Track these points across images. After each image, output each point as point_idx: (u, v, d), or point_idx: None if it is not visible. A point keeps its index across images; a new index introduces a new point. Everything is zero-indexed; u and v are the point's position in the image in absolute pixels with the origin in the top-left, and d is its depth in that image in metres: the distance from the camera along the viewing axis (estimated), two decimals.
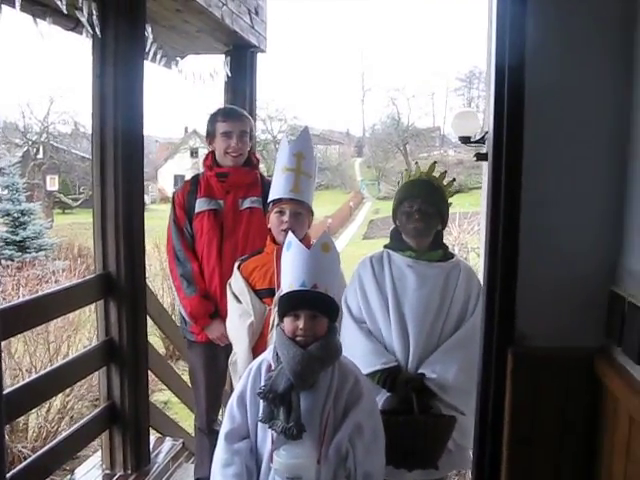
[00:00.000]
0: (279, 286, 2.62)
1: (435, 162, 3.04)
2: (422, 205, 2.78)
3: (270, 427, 2.25)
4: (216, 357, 3.52)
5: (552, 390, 1.93)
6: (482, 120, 6.11)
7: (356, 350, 2.64)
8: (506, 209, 1.94)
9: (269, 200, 3.03)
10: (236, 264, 3.13)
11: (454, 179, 3.04)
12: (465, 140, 6.85)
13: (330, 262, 2.37)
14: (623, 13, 1.81)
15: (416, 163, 3.15)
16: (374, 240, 25.50)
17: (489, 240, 2.00)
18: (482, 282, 2.16)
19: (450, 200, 2.90)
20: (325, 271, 2.33)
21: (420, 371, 2.69)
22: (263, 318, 2.99)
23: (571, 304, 1.92)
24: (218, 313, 3.44)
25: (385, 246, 2.93)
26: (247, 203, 3.49)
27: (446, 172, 2.99)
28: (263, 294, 3.01)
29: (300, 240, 2.51)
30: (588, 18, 1.84)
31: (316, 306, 2.27)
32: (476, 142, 6.10)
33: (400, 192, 2.89)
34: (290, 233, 2.50)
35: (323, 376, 2.28)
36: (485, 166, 4.54)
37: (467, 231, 16.32)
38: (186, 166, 36.69)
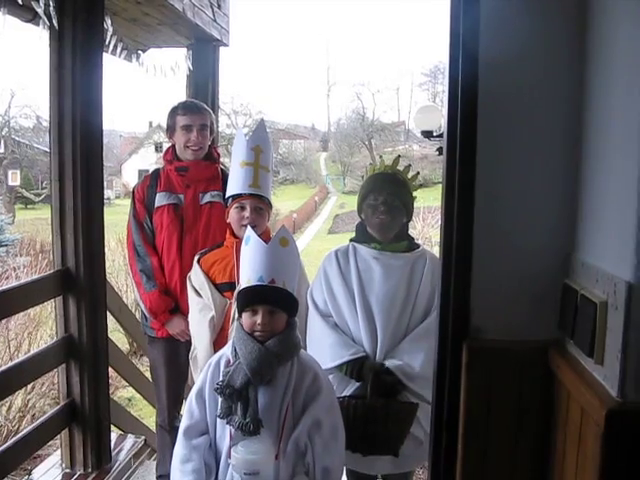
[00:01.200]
0: (238, 281, 2.61)
1: (399, 156, 3.08)
2: (387, 198, 2.81)
3: (228, 423, 2.26)
4: (177, 353, 3.50)
5: (507, 383, 1.94)
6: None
7: (323, 343, 2.69)
8: (460, 204, 1.95)
9: (228, 195, 3.02)
10: (196, 258, 3.12)
11: (418, 173, 3.10)
12: (427, 134, 6.92)
13: (288, 257, 2.37)
14: (577, 12, 1.83)
15: (380, 157, 3.18)
16: (339, 235, 25.64)
17: (444, 235, 2.01)
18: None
19: (415, 193, 2.94)
20: (283, 266, 2.33)
21: (387, 362, 2.72)
22: (224, 312, 2.99)
23: (525, 298, 1.94)
24: (179, 308, 3.43)
25: (351, 239, 2.95)
26: (207, 197, 3.47)
27: (410, 166, 3.04)
28: (224, 288, 3.01)
29: (260, 235, 2.53)
30: (542, 17, 1.86)
31: (274, 301, 2.28)
32: (438, 136, 6.18)
33: (365, 186, 2.91)
34: (249, 227, 2.50)
35: (281, 371, 2.29)
36: None
37: (431, 225, 16.53)
38: (150, 161, 36.26)
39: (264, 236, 2.68)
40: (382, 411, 2.65)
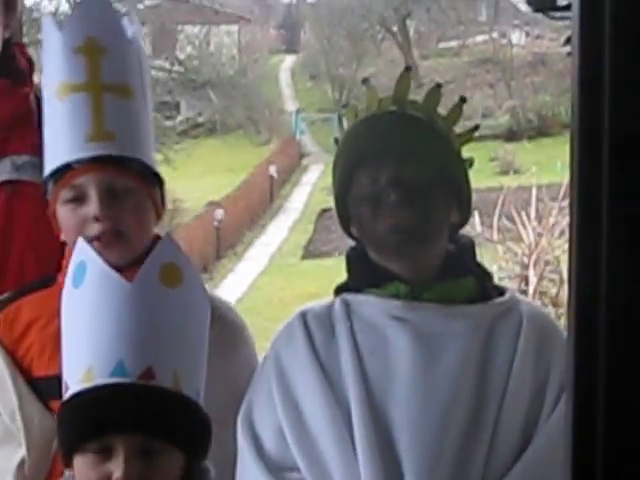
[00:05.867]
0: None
1: (409, 67, 3.06)
2: (401, 170, 2.77)
3: None
4: None
5: None
6: None
7: None
8: (613, 177, 2.00)
9: (48, 171, 3.01)
10: None
11: (463, 99, 3.00)
12: (543, 4, 6.99)
13: (183, 310, 2.39)
14: None
15: (365, 81, 3.18)
16: (331, 260, 25.52)
17: (577, 254, 2.06)
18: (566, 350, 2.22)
19: (465, 152, 2.93)
20: (172, 333, 2.35)
21: None
22: (51, 449, 3.00)
23: None
24: None
25: (337, 289, 2.93)
26: (4, 169, 3.50)
27: (440, 85, 2.98)
28: (50, 389, 2.99)
29: (136, 260, 2.60)
30: None
31: (153, 424, 2.30)
32: (565, 9, 6.29)
33: (343, 154, 2.91)
34: (82, 243, 2.50)
35: None
36: None
37: (560, 230, 16.50)
38: None
39: (139, 264, 2.54)
40: None
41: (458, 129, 2.98)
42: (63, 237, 2.93)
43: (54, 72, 2.83)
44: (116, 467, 2.19)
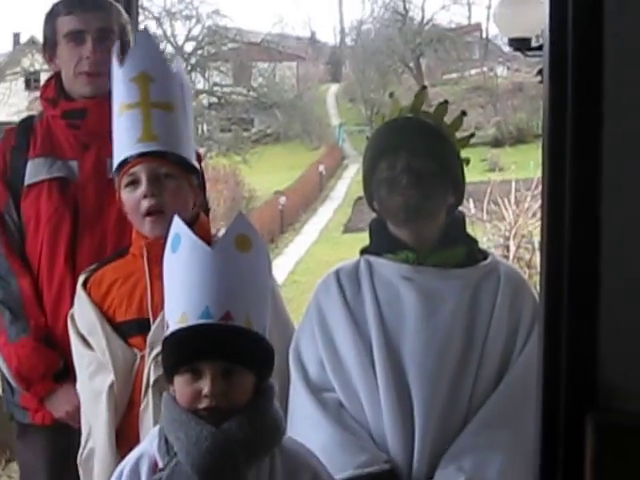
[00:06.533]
0: (155, 316, 2.63)
1: (425, 87, 3.14)
2: (412, 160, 2.80)
3: None
4: (70, 453, 3.29)
5: None
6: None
7: (313, 441, 2.58)
8: (574, 175, 1.98)
9: (114, 167, 3.02)
10: (80, 279, 3.12)
11: (463, 113, 3.08)
12: (521, 44, 6.91)
13: (253, 270, 2.38)
14: None
15: (391, 95, 3.19)
16: (364, 233, 25.51)
17: (548, 231, 2.04)
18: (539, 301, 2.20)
19: (463, 153, 2.95)
20: (245, 287, 2.34)
21: (437, 474, 2.70)
22: (132, 375, 2.98)
23: None
24: (69, 370, 3.39)
25: (362, 251, 2.99)
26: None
27: (447, 102, 3.03)
28: (129, 330, 3.00)
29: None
30: None
31: (232, 353, 2.28)
32: (539, 48, 6.21)
33: (370, 149, 2.95)
34: (176, 218, 2.45)
35: (254, 475, 2.30)
36: None
37: (532, 212, 16.60)
38: (19, 106, 36.36)
39: (197, 232, 2.50)
40: None
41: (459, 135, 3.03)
42: (125, 212, 3.03)
43: (117, 96, 2.94)
44: (204, 385, 2.22)
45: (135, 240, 3.06)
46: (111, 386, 2.93)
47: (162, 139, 2.90)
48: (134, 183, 2.92)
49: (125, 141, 2.90)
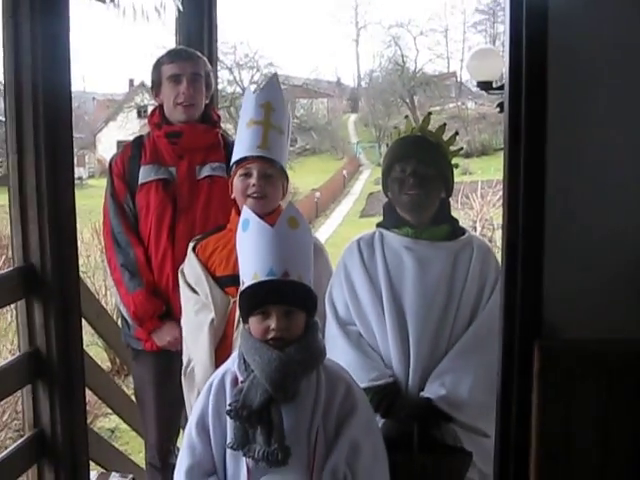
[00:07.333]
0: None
1: (430, 113, 3.14)
2: (417, 167, 2.79)
3: (245, 454, 2.26)
4: (170, 370, 3.42)
5: (591, 393, 1.95)
6: None
7: (341, 361, 2.61)
8: (527, 175, 1.97)
9: (233, 161, 3.04)
10: (190, 245, 3.15)
11: (457, 132, 3.12)
12: (485, 86, 6.88)
13: (301, 242, 2.39)
14: None
15: (406, 117, 3.23)
16: (375, 219, 25.34)
17: (508, 214, 2.05)
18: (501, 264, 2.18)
19: (455, 161, 2.95)
20: (296, 254, 2.35)
21: (426, 388, 2.71)
22: (226, 314, 3.00)
23: (614, 287, 1.94)
24: (170, 312, 3.44)
25: (378, 225, 2.96)
26: (206, 170, 3.48)
27: (445, 125, 3.02)
28: (226, 282, 3.02)
29: (271, 212, 2.77)
30: None
31: (290, 299, 2.29)
32: (499, 89, 6.15)
33: (389, 154, 2.93)
34: (246, 208, 2.55)
35: (306, 386, 2.31)
36: None
37: (492, 203, 16.58)
38: (133, 129, 36.21)
39: (275, 215, 2.70)
40: (434, 469, 2.64)
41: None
42: (234, 196, 3.04)
43: (247, 113, 2.96)
44: (272, 322, 2.25)
45: (233, 218, 3.07)
46: (212, 321, 2.99)
47: (272, 150, 2.93)
48: (247, 175, 2.96)
49: (247, 145, 2.93)
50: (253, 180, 2.95)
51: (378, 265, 2.82)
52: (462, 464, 2.67)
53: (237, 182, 3.01)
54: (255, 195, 2.93)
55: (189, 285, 3.12)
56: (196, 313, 3.06)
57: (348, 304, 2.84)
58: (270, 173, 2.98)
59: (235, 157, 3.02)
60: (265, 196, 2.92)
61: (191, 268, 3.11)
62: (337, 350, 2.74)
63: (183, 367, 3.13)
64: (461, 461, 2.67)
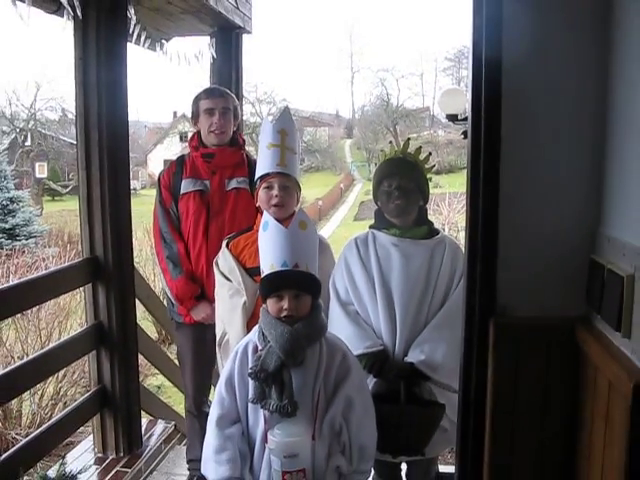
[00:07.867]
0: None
1: (409, 139, 3.14)
2: (401, 182, 2.79)
3: (263, 407, 2.29)
4: (204, 338, 3.50)
5: (534, 360, 1.96)
6: None
7: (341, 334, 2.64)
8: (486, 184, 1.97)
9: (257, 177, 3.02)
10: (224, 242, 3.13)
11: (430, 154, 3.06)
12: (452, 118, 6.87)
13: (308, 240, 2.40)
14: None
15: (390, 142, 3.23)
16: (365, 222, 25.43)
17: (469, 216, 2.04)
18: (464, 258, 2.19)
19: (438, 179, 2.98)
20: (304, 249, 2.36)
21: (409, 354, 2.70)
22: (255, 297, 2.98)
23: (552, 274, 1.95)
24: (204, 294, 3.46)
25: (370, 226, 2.94)
26: (233, 184, 3.48)
27: (421, 148, 3.01)
28: (254, 272, 2.97)
29: (289, 216, 2.67)
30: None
31: (299, 285, 2.31)
32: (463, 120, 6.13)
33: (378, 172, 2.91)
34: (265, 213, 2.56)
35: (311, 353, 2.33)
36: None
37: (457, 210, 16.51)
38: (175, 150, 36.34)
39: (290, 218, 2.65)
40: (415, 417, 2.64)
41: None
42: (259, 204, 2.99)
43: (266, 138, 2.88)
44: (284, 303, 2.25)
45: (258, 222, 2.96)
46: (244, 304, 2.96)
47: (289, 167, 2.91)
48: (269, 187, 2.92)
49: (269, 163, 2.90)
50: (275, 192, 2.92)
51: (371, 258, 2.81)
52: (437, 413, 2.67)
53: (262, 194, 2.98)
54: (277, 204, 2.90)
55: (223, 274, 3.09)
56: (230, 297, 3.03)
57: (348, 289, 2.83)
58: (288, 185, 2.96)
59: (259, 173, 2.99)
60: (284, 205, 2.90)
61: (225, 260, 3.09)
62: (340, 325, 2.75)
63: (217, 339, 3.11)
64: (436, 411, 2.67)
